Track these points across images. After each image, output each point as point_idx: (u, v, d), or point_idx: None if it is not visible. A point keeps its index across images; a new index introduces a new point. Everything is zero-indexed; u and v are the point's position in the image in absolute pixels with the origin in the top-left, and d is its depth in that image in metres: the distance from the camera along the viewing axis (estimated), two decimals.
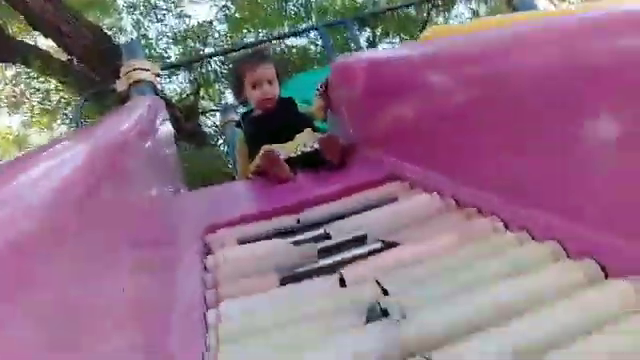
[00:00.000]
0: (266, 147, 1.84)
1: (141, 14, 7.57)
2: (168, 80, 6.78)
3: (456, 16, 7.68)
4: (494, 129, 1.04)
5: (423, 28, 7.24)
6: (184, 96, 7.18)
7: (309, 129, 2.00)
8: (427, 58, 1.41)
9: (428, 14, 7.29)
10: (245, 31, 7.50)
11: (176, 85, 7.29)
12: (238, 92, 2.22)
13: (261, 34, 7.35)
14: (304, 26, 7.02)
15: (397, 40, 7.58)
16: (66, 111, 7.16)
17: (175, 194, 1.85)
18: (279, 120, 2.07)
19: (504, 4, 6.00)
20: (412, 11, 7.18)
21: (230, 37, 7.42)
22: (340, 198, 1.34)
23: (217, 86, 7.30)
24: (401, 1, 6.82)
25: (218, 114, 6.14)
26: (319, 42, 7.19)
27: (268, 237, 1.23)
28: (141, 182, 1.30)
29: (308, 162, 1.75)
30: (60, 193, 0.63)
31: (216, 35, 7.59)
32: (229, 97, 6.86)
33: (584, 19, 0.97)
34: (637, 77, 0.69)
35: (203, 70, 6.89)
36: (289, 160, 1.76)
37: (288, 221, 1.28)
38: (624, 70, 0.73)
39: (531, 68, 0.96)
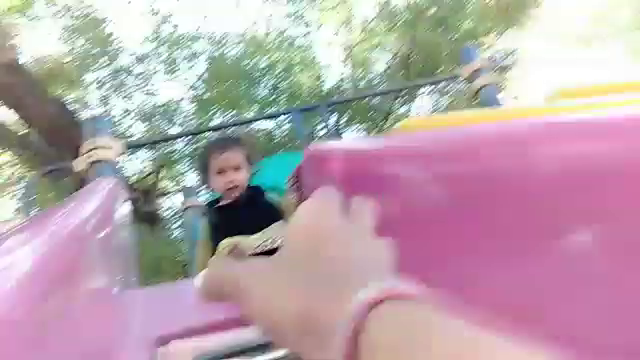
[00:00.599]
0: (228, 241, 1.69)
1: (108, 90, 7.54)
2: (128, 158, 6.65)
3: (422, 107, 7.98)
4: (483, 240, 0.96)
5: (387, 118, 7.48)
6: (144, 176, 7.02)
7: (279, 222, 1.86)
8: (410, 152, 1.34)
9: (392, 105, 7.54)
10: (213, 112, 7.55)
11: (136, 163, 7.14)
12: (204, 178, 2.11)
13: (229, 116, 7.41)
14: (274, 110, 7.11)
15: (361, 127, 7.77)
16: (18, 186, 6.86)
17: (126, 289, 1.65)
18: (247, 211, 1.94)
19: (465, 99, 6.27)
20: (377, 100, 7.42)
21: (198, 117, 7.44)
22: None
23: (179, 167, 7.19)
24: (367, 91, 7.10)
25: (179, 197, 5.97)
26: (285, 126, 7.29)
27: (231, 355, 1.05)
28: (93, 281, 1.13)
29: None
30: None
31: (183, 114, 7.60)
32: (191, 179, 6.75)
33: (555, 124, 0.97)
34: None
35: (167, 150, 6.80)
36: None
37: (256, 334, 1.11)
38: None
39: (506, 170, 0.94)
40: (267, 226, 1.82)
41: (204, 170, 2.06)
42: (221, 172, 1.99)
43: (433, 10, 6.69)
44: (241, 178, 1.99)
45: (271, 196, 2.04)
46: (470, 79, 3.34)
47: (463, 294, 0.98)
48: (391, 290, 0.25)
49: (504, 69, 7.07)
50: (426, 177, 1.25)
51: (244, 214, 1.91)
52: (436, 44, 6.55)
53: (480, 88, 3.28)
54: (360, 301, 0.24)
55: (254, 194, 2.01)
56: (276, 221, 1.86)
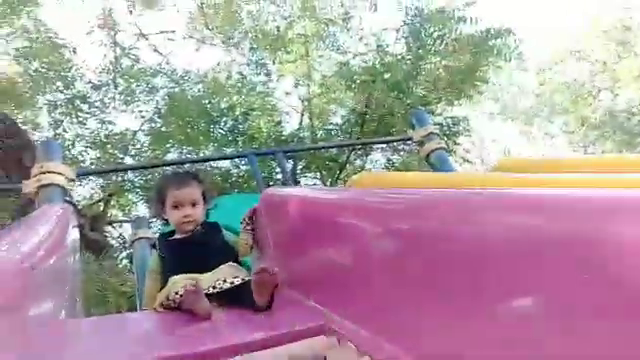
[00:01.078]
0: (181, 277, 1.70)
1: (61, 114, 7.39)
2: (79, 184, 6.46)
3: (375, 161, 8.24)
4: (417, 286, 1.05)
5: (342, 168, 7.67)
6: (92, 202, 6.82)
7: (231, 262, 1.89)
8: (360, 205, 1.44)
9: (348, 157, 7.77)
10: (169, 146, 7.51)
11: (86, 190, 6.95)
12: (158, 210, 2.10)
13: (185, 152, 7.38)
14: (232, 150, 7.16)
15: (317, 175, 7.91)
16: None
17: (71, 319, 1.63)
18: (200, 247, 1.94)
19: (417, 158, 6.56)
20: (334, 152, 7.62)
21: (153, 150, 7.36)
22: (263, 349, 1.24)
23: (130, 196, 7.04)
24: (324, 143, 7.29)
25: (127, 227, 5.82)
26: (242, 167, 7.33)
27: None
28: (40, 309, 1.13)
29: (230, 299, 1.63)
30: None
31: (138, 145, 7.51)
32: (141, 209, 6.61)
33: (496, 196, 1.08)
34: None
35: (119, 178, 6.67)
36: (206, 295, 1.63)
37: None
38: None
39: (447, 232, 1.04)
40: (219, 264, 1.84)
41: (160, 202, 2.07)
42: (177, 206, 2.00)
43: (388, 75, 7.06)
44: (197, 213, 2.01)
45: (227, 234, 2.07)
46: (421, 143, 3.52)
47: (401, 342, 1.06)
48: None
49: (453, 135, 7.46)
50: (376, 231, 1.35)
51: (197, 250, 1.92)
52: (390, 106, 6.89)
53: (431, 151, 3.47)
54: None
55: (210, 231, 2.03)
56: (229, 260, 1.89)
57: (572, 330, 0.81)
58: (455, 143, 7.70)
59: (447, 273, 1.01)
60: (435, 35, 7.29)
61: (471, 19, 7.17)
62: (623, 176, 1.59)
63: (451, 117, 7.75)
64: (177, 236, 2.02)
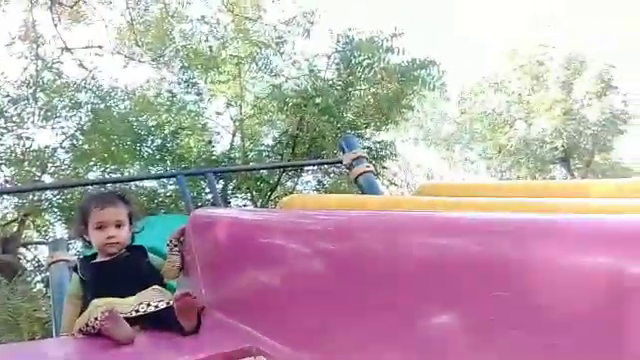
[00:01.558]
0: (102, 302, 1.64)
1: None
2: None
3: (306, 183, 8.33)
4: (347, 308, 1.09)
5: (274, 189, 7.68)
6: (6, 222, 6.37)
7: (156, 286, 1.83)
8: (288, 227, 1.47)
9: (279, 178, 7.80)
10: (92, 164, 7.19)
11: None
12: (80, 231, 2.01)
13: (108, 171, 7.10)
14: (159, 169, 6.96)
15: (249, 196, 7.86)
16: None
17: None
18: (125, 270, 1.87)
19: (346, 181, 6.71)
20: (265, 173, 7.62)
21: (74, 168, 7.01)
22: None
23: (47, 217, 6.64)
24: (254, 164, 7.29)
25: (45, 249, 5.48)
26: (170, 187, 7.15)
27: None
28: None
29: (155, 323, 1.59)
30: None
31: (57, 163, 7.13)
32: (59, 231, 6.24)
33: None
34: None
35: (35, 197, 6.28)
36: (127, 320, 1.57)
37: None
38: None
39: (375, 252, 1.10)
40: (144, 288, 1.79)
41: (82, 222, 1.98)
42: (101, 227, 1.92)
43: (319, 99, 7.23)
44: (122, 235, 1.93)
45: (153, 258, 2.01)
46: (350, 166, 3.63)
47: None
48: None
49: (380, 159, 7.71)
50: (304, 252, 1.38)
51: (121, 273, 1.86)
52: (321, 129, 7.03)
53: (360, 174, 3.58)
54: None
55: (135, 254, 1.96)
56: (154, 284, 1.84)
57: (484, 343, 0.87)
58: (382, 167, 7.96)
59: (372, 292, 1.06)
60: (364, 63, 7.56)
61: (398, 50, 7.51)
62: (533, 200, 1.73)
63: (379, 142, 8.01)
64: (100, 259, 1.94)
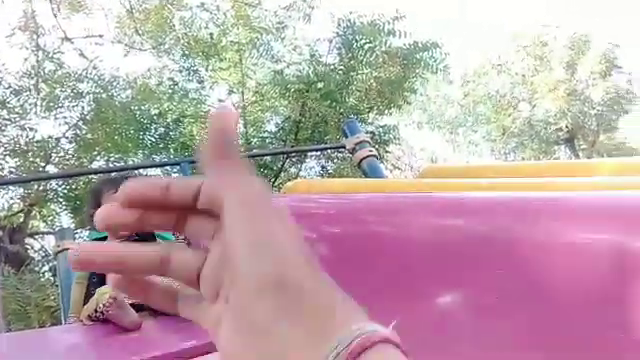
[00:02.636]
0: (106, 288, 1.66)
1: None
2: None
3: (310, 169, 8.32)
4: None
5: (277, 176, 7.69)
6: (11, 213, 6.41)
7: None
8: (295, 211, 1.47)
9: (283, 164, 7.80)
10: (96, 154, 7.20)
11: (4, 200, 6.51)
12: (93, 215, 2.03)
13: (112, 159, 7.11)
14: (163, 157, 6.97)
15: None
16: None
17: None
18: None
19: (350, 165, 6.71)
20: (269, 159, 7.62)
21: (78, 157, 7.03)
22: (195, 357, 1.23)
23: (53, 207, 6.67)
24: (258, 150, 7.29)
25: (52, 238, 5.52)
26: (174, 175, 7.16)
27: None
28: None
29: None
30: None
31: (61, 153, 7.15)
32: (65, 220, 6.28)
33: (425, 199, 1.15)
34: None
35: (40, 188, 6.31)
36: (133, 305, 1.59)
37: None
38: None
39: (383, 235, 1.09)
40: None
41: (95, 206, 2.01)
42: None
43: (321, 85, 7.19)
44: None
45: (161, 242, 2.02)
46: (353, 150, 3.62)
47: None
48: (375, 336, 0.24)
49: (384, 144, 7.69)
50: (311, 235, 1.39)
51: None
52: (324, 114, 7.00)
53: (363, 159, 3.57)
54: (347, 348, 0.23)
55: (144, 239, 1.98)
56: None
57: (490, 319, 0.88)
58: (386, 151, 7.93)
59: (377, 274, 1.06)
60: (366, 47, 7.50)
61: (400, 32, 7.44)
62: (535, 180, 1.72)
63: (382, 126, 7.98)
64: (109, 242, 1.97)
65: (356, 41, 7.54)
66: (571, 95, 12.93)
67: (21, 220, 6.22)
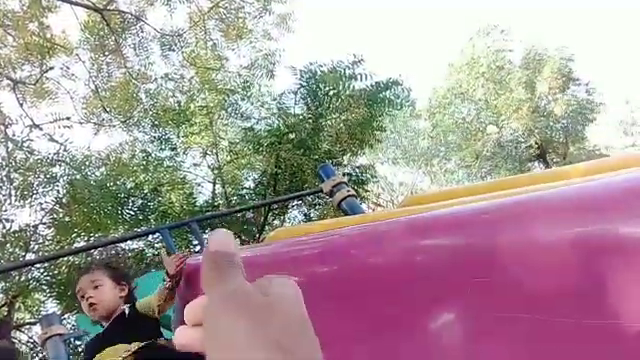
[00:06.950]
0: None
1: None
2: None
3: (293, 218, 8.32)
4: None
5: (261, 230, 7.65)
6: None
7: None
8: (273, 259, 1.48)
9: (265, 217, 7.78)
10: (75, 236, 7.09)
11: None
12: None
13: (93, 239, 7.01)
14: (143, 229, 6.90)
15: (237, 240, 7.80)
16: None
17: None
18: (121, 337, 1.85)
19: (332, 210, 6.73)
20: (251, 214, 7.61)
21: (58, 242, 6.91)
22: None
23: (37, 295, 6.50)
24: (237, 207, 7.27)
25: (37, 328, 5.35)
26: (157, 244, 7.08)
27: None
28: None
29: None
30: None
31: (40, 240, 7.04)
32: (51, 307, 6.11)
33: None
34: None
35: (22, 278, 6.16)
36: None
37: None
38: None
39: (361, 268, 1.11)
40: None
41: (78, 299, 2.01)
42: (82, 295, 1.93)
43: (292, 135, 7.31)
44: (100, 296, 1.91)
45: (140, 301, 1.97)
46: (331, 193, 3.64)
47: None
48: None
49: (362, 183, 7.76)
50: (298, 278, 1.38)
51: (121, 340, 1.84)
52: (299, 164, 7.08)
53: (342, 200, 3.59)
54: None
55: (128, 318, 1.93)
56: (154, 336, 1.84)
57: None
58: (365, 190, 8.00)
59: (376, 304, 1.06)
60: (331, 93, 7.70)
61: (361, 75, 7.67)
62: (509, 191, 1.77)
63: (357, 167, 8.08)
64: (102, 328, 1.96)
65: (320, 89, 7.73)
66: (535, 112, 13.34)
67: (5, 314, 6.03)
